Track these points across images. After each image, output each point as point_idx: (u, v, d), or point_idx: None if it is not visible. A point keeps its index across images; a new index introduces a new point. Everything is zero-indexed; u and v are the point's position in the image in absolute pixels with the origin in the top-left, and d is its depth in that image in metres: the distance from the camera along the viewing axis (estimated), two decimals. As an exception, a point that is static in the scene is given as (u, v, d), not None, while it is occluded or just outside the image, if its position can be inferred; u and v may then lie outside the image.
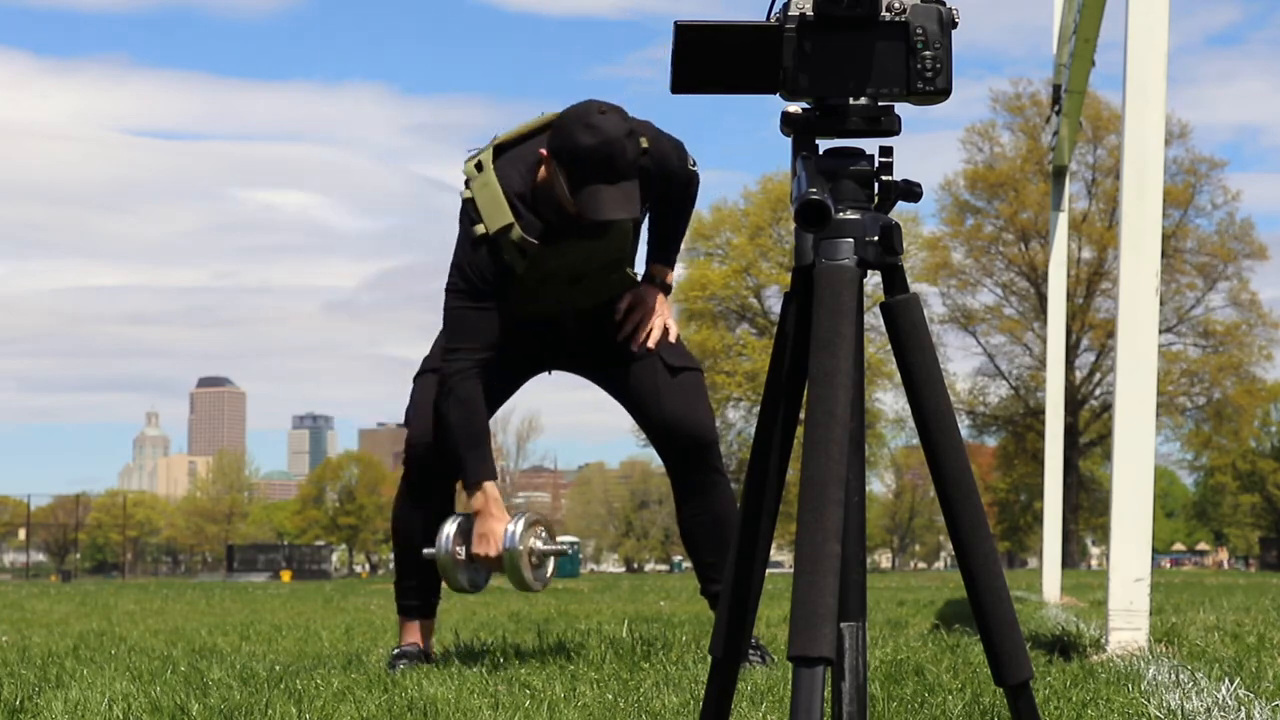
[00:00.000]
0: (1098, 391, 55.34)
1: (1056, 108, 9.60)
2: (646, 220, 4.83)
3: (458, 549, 4.62)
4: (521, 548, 4.61)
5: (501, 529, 4.61)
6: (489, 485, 4.62)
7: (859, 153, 1.93)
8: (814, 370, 1.83)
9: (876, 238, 1.90)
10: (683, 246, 5.05)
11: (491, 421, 4.79)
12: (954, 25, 1.92)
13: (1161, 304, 25.52)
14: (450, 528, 4.64)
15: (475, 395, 4.59)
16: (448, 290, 4.63)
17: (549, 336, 4.86)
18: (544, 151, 4.49)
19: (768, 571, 2.03)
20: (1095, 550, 79.39)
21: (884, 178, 1.93)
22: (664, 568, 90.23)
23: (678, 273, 6.02)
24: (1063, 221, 10.47)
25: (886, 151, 1.94)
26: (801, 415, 1.90)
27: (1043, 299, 50.83)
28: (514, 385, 4.91)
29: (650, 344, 4.78)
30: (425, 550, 4.72)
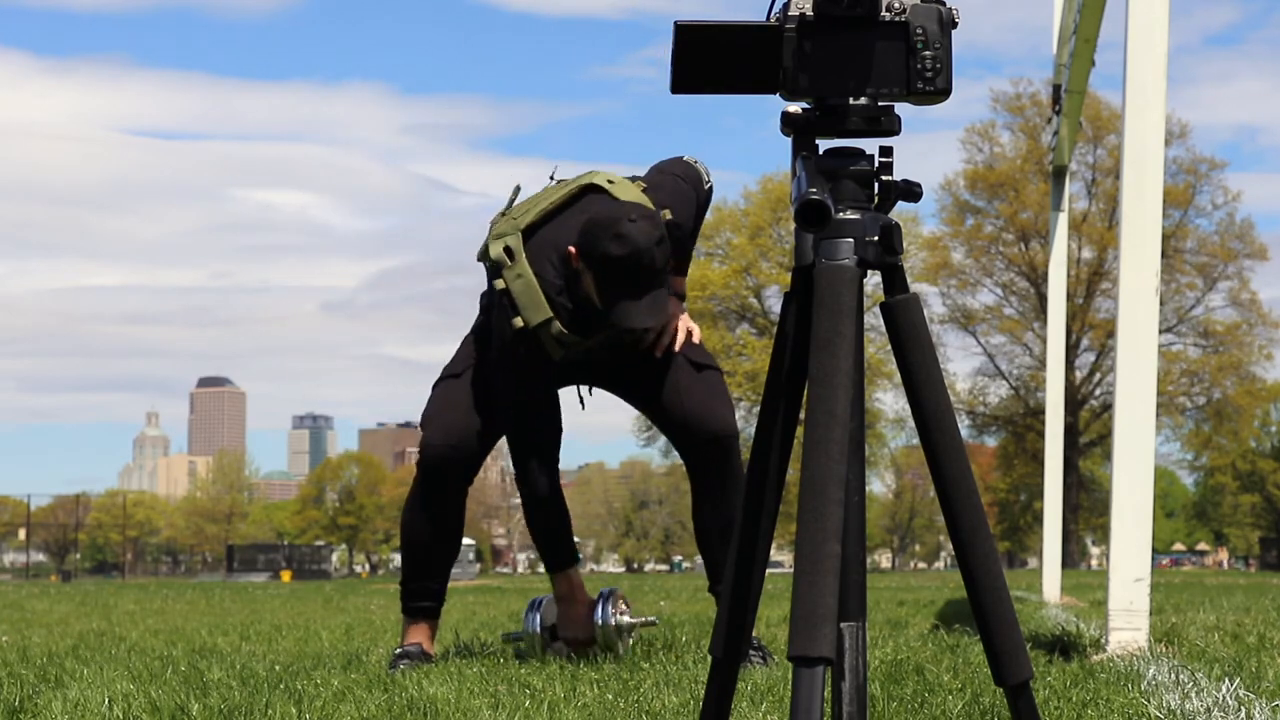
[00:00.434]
0: (1098, 391, 55.30)
1: (1056, 108, 9.60)
2: None
3: (545, 633, 4.85)
4: (613, 623, 4.83)
5: (586, 612, 4.81)
6: (572, 571, 4.80)
7: (859, 153, 1.93)
8: (814, 370, 1.83)
9: (876, 238, 1.90)
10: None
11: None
12: (954, 25, 1.92)
13: (1161, 304, 25.50)
14: (536, 613, 4.87)
15: (551, 489, 4.68)
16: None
17: (580, 370, 4.90)
18: (573, 250, 4.48)
19: (768, 571, 2.03)
20: (1095, 550, 79.36)
21: (884, 178, 1.93)
22: (664, 568, 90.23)
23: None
24: (1063, 221, 10.46)
25: (886, 151, 1.94)
26: (801, 415, 1.90)
27: (1043, 299, 50.80)
28: (559, 408, 4.89)
29: (675, 349, 4.80)
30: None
